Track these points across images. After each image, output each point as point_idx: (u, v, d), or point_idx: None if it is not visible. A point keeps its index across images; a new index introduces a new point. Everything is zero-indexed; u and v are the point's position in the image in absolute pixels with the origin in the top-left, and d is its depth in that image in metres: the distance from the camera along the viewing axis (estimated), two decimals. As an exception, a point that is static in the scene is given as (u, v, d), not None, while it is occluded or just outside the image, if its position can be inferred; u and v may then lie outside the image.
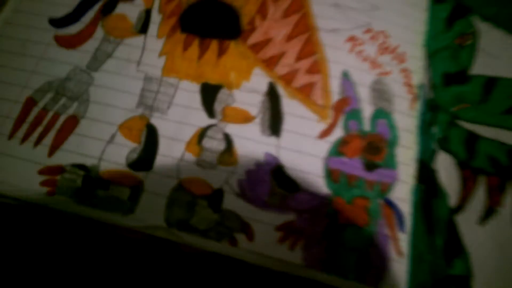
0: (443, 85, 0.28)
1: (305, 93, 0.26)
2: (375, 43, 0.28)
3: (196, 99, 0.26)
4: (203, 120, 0.25)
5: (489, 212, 0.24)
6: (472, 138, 0.26)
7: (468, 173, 0.25)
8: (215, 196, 0.23)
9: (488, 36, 0.29)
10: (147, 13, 0.28)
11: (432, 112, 0.28)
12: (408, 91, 0.27)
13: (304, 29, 0.28)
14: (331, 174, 0.24)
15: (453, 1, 0.31)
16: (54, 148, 0.24)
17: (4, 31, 0.28)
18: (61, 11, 0.28)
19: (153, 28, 0.28)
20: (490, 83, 0.28)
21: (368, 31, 0.29)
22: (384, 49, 0.28)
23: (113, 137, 0.24)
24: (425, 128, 0.27)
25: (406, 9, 0.30)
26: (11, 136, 0.24)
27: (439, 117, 0.27)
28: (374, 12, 0.29)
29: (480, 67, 0.28)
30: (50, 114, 0.25)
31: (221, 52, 0.27)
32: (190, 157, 0.24)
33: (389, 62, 0.28)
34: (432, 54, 0.29)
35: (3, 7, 0.28)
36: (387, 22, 0.29)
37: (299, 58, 0.27)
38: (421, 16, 0.30)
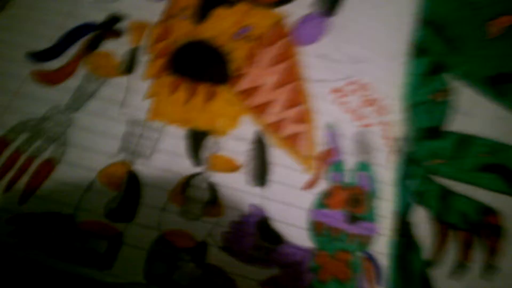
0: (419, 139, 0.30)
1: (291, 143, 0.26)
2: (358, 95, 0.29)
3: (181, 145, 0.25)
4: (188, 168, 0.25)
5: (460, 267, 0.25)
6: (446, 194, 0.27)
7: (442, 227, 0.26)
8: (199, 250, 0.23)
9: (463, 94, 0.31)
10: (134, 52, 0.27)
11: (409, 166, 0.29)
12: (387, 144, 0.28)
13: (291, 79, 0.28)
14: (315, 227, 0.25)
15: (430, 57, 0.32)
16: (26, 195, 0.23)
17: None
18: (41, 44, 0.27)
19: (139, 68, 0.27)
20: (463, 140, 0.29)
21: (351, 83, 0.29)
22: (366, 101, 0.29)
23: (91, 184, 0.23)
24: (402, 181, 0.28)
25: (387, 63, 0.31)
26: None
27: (415, 171, 0.29)
28: (357, 64, 0.30)
29: (454, 123, 0.30)
30: (24, 157, 0.24)
31: (209, 97, 0.27)
32: (173, 207, 0.24)
33: (371, 114, 0.29)
34: (410, 108, 0.31)
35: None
36: (369, 75, 0.30)
37: (286, 107, 0.27)
38: (401, 70, 0.31)
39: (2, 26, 0.27)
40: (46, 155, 0.24)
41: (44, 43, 0.27)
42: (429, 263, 0.26)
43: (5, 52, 0.26)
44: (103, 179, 0.24)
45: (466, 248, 0.26)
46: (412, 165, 0.29)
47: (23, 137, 0.24)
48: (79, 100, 0.25)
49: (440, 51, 0.33)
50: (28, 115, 0.25)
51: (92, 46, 0.27)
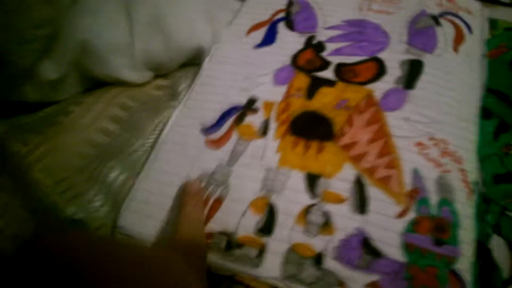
0: (493, 183, 0.36)
1: (384, 183, 0.35)
2: (437, 148, 0.37)
3: (302, 184, 0.35)
4: (308, 200, 0.34)
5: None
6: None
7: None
8: (320, 257, 0.32)
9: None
10: (266, 122, 0.39)
11: (485, 204, 0.35)
12: (465, 186, 0.35)
13: (381, 136, 0.38)
14: (407, 246, 0.32)
15: (497, 118, 0.40)
16: (206, 220, 0.34)
17: (169, 137, 0.40)
18: (209, 121, 0.41)
19: (270, 132, 0.39)
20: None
21: (431, 138, 0.37)
22: (445, 152, 0.37)
23: (245, 212, 0.34)
24: (480, 215, 0.34)
25: (461, 123, 0.39)
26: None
27: (491, 207, 0.35)
28: (436, 125, 0.38)
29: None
30: (204, 196, 0.36)
31: (319, 150, 0.37)
32: (298, 227, 0.33)
33: (449, 163, 0.36)
34: (483, 159, 0.37)
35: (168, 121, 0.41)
36: (445, 133, 0.38)
37: (378, 156, 0.36)
38: (473, 128, 0.39)
39: (183, 115, 0.42)
40: (216, 195, 0.35)
41: (210, 121, 0.40)
42: (507, 282, 0.31)
43: (187, 129, 0.41)
44: (252, 208, 0.34)
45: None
46: (489, 203, 0.35)
47: (202, 184, 0.36)
48: (235, 157, 0.37)
49: (505, 114, 0.40)
50: (204, 170, 0.37)
51: (239, 120, 0.40)
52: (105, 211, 0.36)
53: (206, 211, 0.35)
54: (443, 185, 0.35)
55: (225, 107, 0.41)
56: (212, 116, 0.41)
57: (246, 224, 0.34)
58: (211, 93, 0.43)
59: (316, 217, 0.34)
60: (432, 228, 0.33)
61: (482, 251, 0.33)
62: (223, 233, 0.33)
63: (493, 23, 0.48)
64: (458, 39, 0.45)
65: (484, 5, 0.49)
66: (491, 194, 0.36)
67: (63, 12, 0.44)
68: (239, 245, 0.33)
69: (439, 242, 0.32)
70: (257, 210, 0.34)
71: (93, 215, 0.36)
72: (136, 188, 0.37)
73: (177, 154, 0.39)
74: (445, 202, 0.34)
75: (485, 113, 0.40)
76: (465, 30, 0.46)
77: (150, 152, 0.40)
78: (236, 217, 0.34)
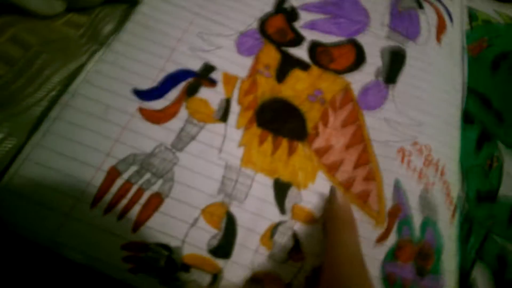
0: (476, 200, 0.32)
1: (362, 199, 0.29)
2: (421, 155, 0.32)
3: (269, 193, 0.28)
4: (276, 215, 0.27)
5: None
6: (505, 252, 0.30)
7: (502, 284, 0.29)
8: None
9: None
10: (227, 102, 0.30)
11: (470, 225, 0.31)
12: (449, 202, 0.31)
13: (359, 140, 0.31)
14: (387, 277, 0.27)
15: (480, 124, 0.35)
16: (138, 224, 0.25)
17: (84, 91, 0.28)
18: (144, 83, 0.29)
19: (232, 117, 0.30)
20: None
21: (415, 143, 0.32)
22: (429, 161, 0.32)
23: (196, 220, 0.26)
24: (464, 238, 0.30)
25: (445, 127, 0.34)
26: (93, 205, 0.25)
27: (476, 229, 0.31)
28: (419, 127, 0.33)
29: (507, 188, 0.32)
30: (135, 188, 0.26)
31: (290, 151, 0.30)
32: (263, 250, 0.26)
33: (433, 174, 0.31)
34: (466, 170, 0.33)
35: (84, 67, 0.28)
36: (430, 137, 0.33)
37: (356, 166, 0.30)
38: (457, 134, 0.34)
39: (107, 61, 0.30)
40: (155, 188, 0.26)
41: (147, 83, 0.29)
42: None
43: (112, 86, 0.28)
44: (206, 217, 0.26)
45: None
46: (473, 224, 0.31)
47: (133, 169, 0.26)
48: (183, 141, 0.28)
49: (487, 121, 0.36)
50: (138, 149, 0.27)
51: (191, 91, 0.30)
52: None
53: (137, 209, 0.25)
54: (426, 201, 0.30)
55: (172, 67, 0.31)
56: (151, 76, 0.30)
57: (197, 238, 0.25)
58: (150, 41, 0.31)
59: (284, 238, 0.26)
60: (416, 254, 0.28)
61: (466, 281, 0.29)
62: (163, 246, 0.25)
63: (472, 14, 0.44)
64: (441, 27, 0.40)
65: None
66: (474, 213, 0.32)
67: None
68: (186, 267, 0.24)
69: (422, 272, 0.28)
70: (213, 219, 0.26)
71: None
72: (22, 159, 0.25)
73: (93, 117, 0.27)
74: (429, 222, 0.29)
75: (466, 117, 0.36)
76: (446, 17, 0.41)
77: (52, 108, 0.28)
78: (182, 225, 0.25)
